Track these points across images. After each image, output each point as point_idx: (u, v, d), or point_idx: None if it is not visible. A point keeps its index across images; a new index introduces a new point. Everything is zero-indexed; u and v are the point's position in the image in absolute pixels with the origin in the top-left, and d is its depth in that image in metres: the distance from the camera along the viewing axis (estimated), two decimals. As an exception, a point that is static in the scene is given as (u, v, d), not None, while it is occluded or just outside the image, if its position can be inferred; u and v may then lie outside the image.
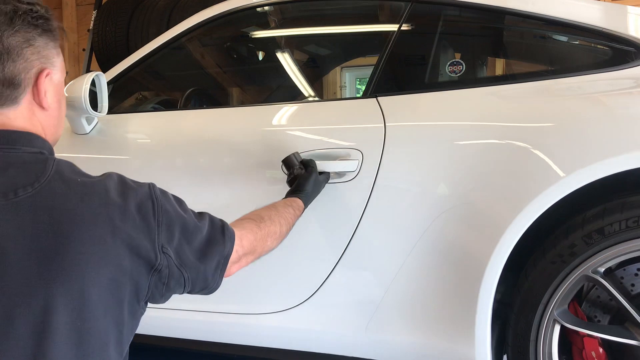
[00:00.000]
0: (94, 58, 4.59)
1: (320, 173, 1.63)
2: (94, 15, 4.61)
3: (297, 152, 1.63)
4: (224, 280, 1.13)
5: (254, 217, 1.29)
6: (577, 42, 1.77)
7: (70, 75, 6.09)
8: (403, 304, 1.64)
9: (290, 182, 1.61)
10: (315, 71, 3.05)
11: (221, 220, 1.15)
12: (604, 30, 1.59)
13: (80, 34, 6.19)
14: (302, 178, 1.57)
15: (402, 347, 1.65)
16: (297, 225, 1.46)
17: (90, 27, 4.70)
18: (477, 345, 1.49)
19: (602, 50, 1.65)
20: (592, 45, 1.73)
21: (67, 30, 6.13)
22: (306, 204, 1.54)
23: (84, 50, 5.07)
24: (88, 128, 1.90)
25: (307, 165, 1.61)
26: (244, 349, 1.83)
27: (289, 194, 1.55)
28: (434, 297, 1.59)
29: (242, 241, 1.16)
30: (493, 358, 1.52)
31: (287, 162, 1.61)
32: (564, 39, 1.77)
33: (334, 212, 1.69)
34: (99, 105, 1.82)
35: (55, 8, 6.18)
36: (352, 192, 1.65)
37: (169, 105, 2.49)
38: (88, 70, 5.03)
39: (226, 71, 2.92)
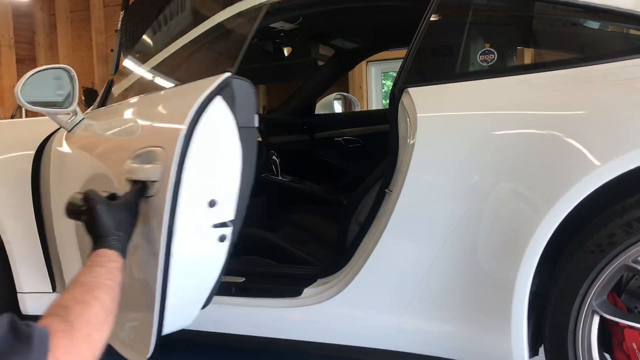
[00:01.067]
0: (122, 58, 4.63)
1: (112, 197, 1.36)
2: (121, 16, 4.66)
3: (75, 192, 1.38)
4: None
5: (58, 312, 0.94)
6: (610, 28, 1.73)
7: (101, 76, 6.17)
8: (438, 294, 1.63)
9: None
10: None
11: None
12: (637, 14, 1.55)
13: (108, 34, 6.28)
14: (88, 222, 1.27)
15: (436, 338, 1.64)
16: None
17: (118, 28, 4.76)
18: (514, 337, 1.48)
19: (636, 36, 1.61)
20: (626, 30, 1.69)
21: (94, 32, 6.22)
22: (123, 246, 1.25)
23: (112, 50, 5.13)
24: (69, 125, 1.97)
25: (87, 199, 1.30)
26: (275, 342, 1.84)
27: (90, 251, 1.24)
28: (469, 287, 1.58)
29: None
30: (530, 350, 1.50)
31: (72, 211, 1.34)
32: (596, 24, 1.73)
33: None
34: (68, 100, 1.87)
35: (83, 10, 6.28)
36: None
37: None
38: (116, 72, 5.10)
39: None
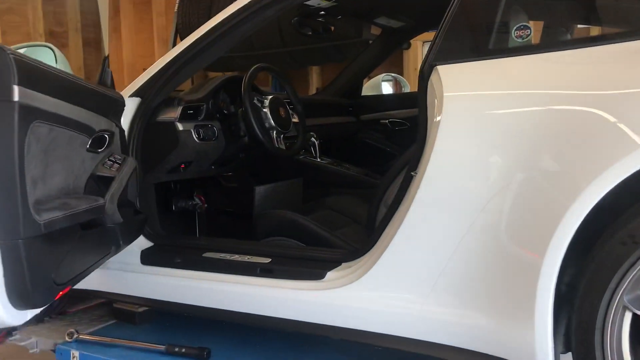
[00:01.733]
0: (178, 40, 4.71)
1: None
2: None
3: None
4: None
5: None
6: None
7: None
8: (462, 281, 1.55)
9: None
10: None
11: None
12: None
13: (169, 17, 6.39)
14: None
15: (458, 327, 1.57)
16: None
17: (175, 10, 4.85)
18: (537, 330, 1.39)
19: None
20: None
21: (155, 14, 6.34)
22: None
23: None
24: None
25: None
26: (296, 324, 1.82)
27: None
28: (494, 274, 1.50)
29: None
30: (555, 345, 1.41)
31: None
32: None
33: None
34: None
35: (145, -7, 6.40)
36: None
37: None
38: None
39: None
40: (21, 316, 1.54)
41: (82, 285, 2.16)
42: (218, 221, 2.77)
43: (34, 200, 1.46)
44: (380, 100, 3.59)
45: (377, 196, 1.97)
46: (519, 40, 1.59)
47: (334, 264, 1.84)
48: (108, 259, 1.96)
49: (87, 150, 1.74)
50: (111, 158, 1.84)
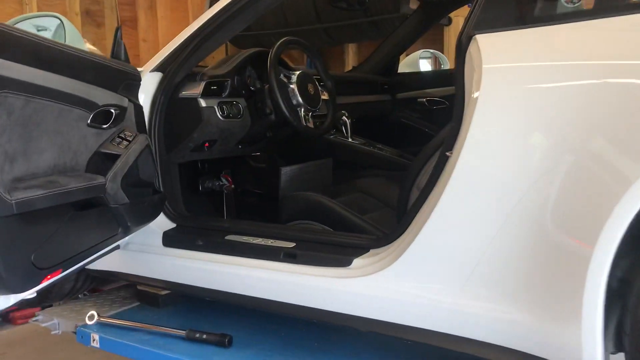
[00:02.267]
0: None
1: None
2: (210, -26, 4.65)
3: None
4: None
5: None
6: None
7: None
8: (500, 273, 1.41)
9: None
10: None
11: None
12: None
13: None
14: None
15: (495, 323, 1.43)
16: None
17: (209, -13, 4.76)
18: (584, 329, 1.24)
19: None
20: None
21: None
22: None
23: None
24: None
25: None
26: (321, 313, 1.71)
27: None
28: (536, 266, 1.35)
29: None
30: (605, 348, 1.26)
31: None
32: None
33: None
34: None
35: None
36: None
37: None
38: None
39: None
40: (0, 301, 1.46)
41: (100, 265, 2.12)
42: (246, 203, 2.68)
43: (11, 177, 1.35)
44: (417, 77, 3.42)
45: (409, 178, 1.83)
46: (569, 5, 1.43)
47: (361, 250, 1.72)
48: (117, 241, 1.88)
49: (89, 125, 1.63)
50: (121, 135, 1.74)
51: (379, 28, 3.94)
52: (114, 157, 1.68)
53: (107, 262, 2.10)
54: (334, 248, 1.78)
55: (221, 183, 2.60)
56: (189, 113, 2.14)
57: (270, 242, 1.90)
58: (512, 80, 1.39)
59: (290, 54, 4.65)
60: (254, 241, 1.92)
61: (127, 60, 1.95)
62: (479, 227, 1.42)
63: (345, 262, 1.69)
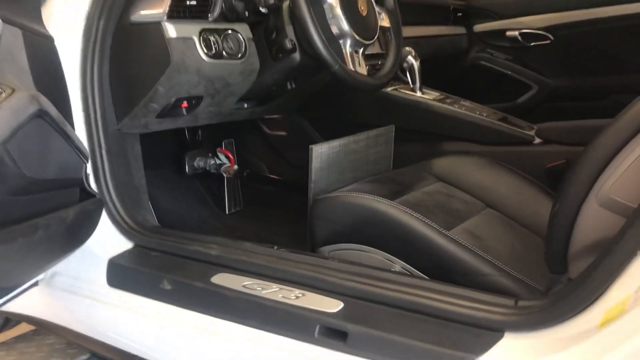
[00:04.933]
0: None
1: None
2: None
3: None
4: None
5: None
6: None
7: None
8: None
9: None
10: None
11: None
12: None
13: None
14: None
15: None
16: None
17: None
18: None
19: None
20: None
21: None
22: None
23: None
24: None
25: None
26: None
27: None
28: None
29: None
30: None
31: None
32: None
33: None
34: None
35: None
36: None
37: None
38: None
39: None
40: None
41: (15, 306, 1.28)
42: (255, 193, 1.79)
43: None
44: (506, 1, 2.40)
45: (575, 180, 0.90)
46: None
47: (489, 335, 0.81)
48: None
49: None
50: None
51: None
52: None
53: (24, 303, 1.25)
54: (425, 324, 0.87)
55: (218, 162, 1.70)
56: (148, 49, 1.22)
57: (294, 295, 0.99)
58: None
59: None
60: (265, 291, 1.02)
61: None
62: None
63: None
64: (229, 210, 1.82)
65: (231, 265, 1.11)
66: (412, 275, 1.07)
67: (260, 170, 1.85)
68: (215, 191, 1.84)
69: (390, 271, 1.06)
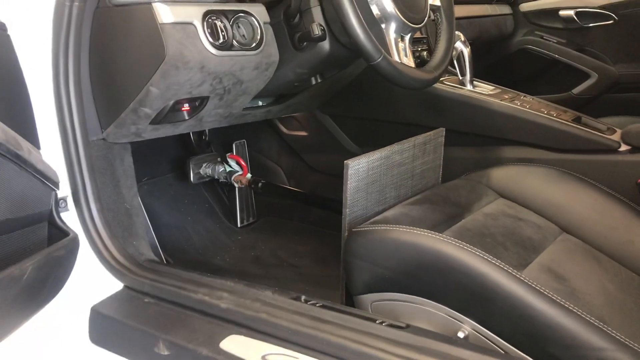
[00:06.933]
0: None
1: None
2: None
3: None
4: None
5: None
6: None
7: None
8: None
9: None
10: None
11: None
12: None
13: None
14: None
15: None
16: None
17: None
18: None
19: None
20: None
21: None
22: None
23: None
24: None
25: None
26: None
27: None
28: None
29: None
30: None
31: None
32: None
33: None
34: None
35: None
36: None
37: None
38: None
39: None
40: None
41: None
42: (273, 208, 1.52)
43: None
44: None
45: None
46: None
47: None
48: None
49: None
50: None
51: None
52: None
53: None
54: None
55: (228, 169, 1.44)
56: (135, 39, 0.95)
57: (333, 377, 0.72)
58: None
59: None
60: (291, 368, 0.75)
61: None
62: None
63: None
64: (240, 223, 1.56)
65: (247, 325, 0.85)
66: (497, 351, 0.80)
67: (276, 176, 1.58)
68: (224, 201, 1.58)
69: (470, 345, 0.78)
